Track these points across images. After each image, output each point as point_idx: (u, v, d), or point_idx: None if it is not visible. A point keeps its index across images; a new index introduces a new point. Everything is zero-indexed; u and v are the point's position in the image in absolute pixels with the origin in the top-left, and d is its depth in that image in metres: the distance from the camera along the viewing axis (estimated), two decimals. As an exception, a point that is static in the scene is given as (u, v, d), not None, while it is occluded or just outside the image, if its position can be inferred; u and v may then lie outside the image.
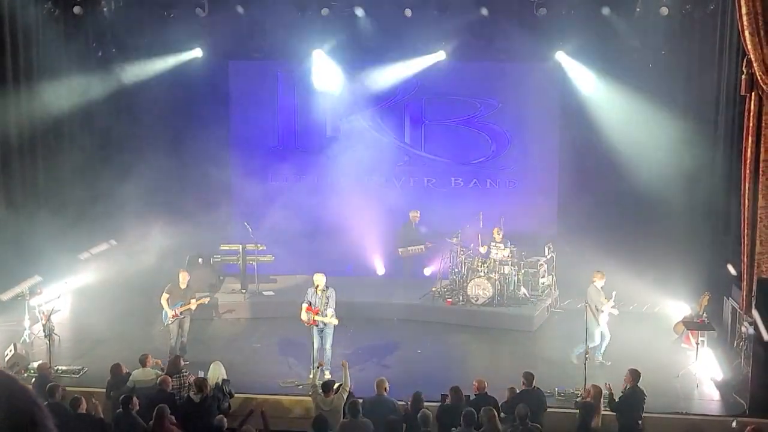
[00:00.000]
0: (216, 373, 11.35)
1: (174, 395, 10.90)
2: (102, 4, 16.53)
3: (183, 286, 13.52)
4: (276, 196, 18.05)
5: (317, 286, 12.83)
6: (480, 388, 10.74)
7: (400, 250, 17.11)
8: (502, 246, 16.13)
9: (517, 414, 9.87)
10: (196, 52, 17.65)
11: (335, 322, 12.79)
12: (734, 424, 11.16)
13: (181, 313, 13.38)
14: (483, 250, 16.37)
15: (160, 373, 11.36)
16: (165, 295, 13.43)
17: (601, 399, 10.78)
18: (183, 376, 11.35)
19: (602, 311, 13.35)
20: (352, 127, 18.84)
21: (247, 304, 16.48)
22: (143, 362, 11.46)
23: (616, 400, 10.84)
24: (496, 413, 9.70)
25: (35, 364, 12.49)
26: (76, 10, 16.22)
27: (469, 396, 10.65)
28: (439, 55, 17.67)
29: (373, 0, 16.69)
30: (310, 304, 12.83)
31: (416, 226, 17.20)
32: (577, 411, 10.81)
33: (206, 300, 14.01)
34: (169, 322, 13.37)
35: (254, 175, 18.75)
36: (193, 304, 13.44)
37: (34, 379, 11.53)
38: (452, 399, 10.43)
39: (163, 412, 9.78)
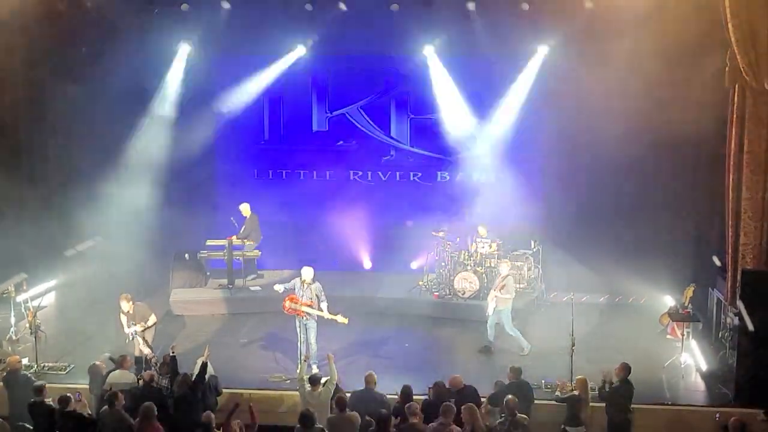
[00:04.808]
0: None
1: (161, 391, 10.84)
2: (85, -1, 16.43)
3: (129, 311, 12.82)
4: (262, 192, 18.02)
5: (304, 279, 12.79)
6: (455, 384, 10.71)
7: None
8: (488, 241, 16.16)
9: (506, 405, 9.88)
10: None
11: (345, 321, 12.72)
12: (717, 416, 11.23)
13: (132, 337, 12.73)
14: (472, 248, 16.40)
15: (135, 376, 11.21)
16: (123, 316, 12.96)
17: (588, 391, 10.82)
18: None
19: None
20: (338, 122, 18.84)
21: (233, 299, 16.44)
22: (121, 364, 11.27)
23: (607, 390, 10.89)
24: (477, 410, 9.66)
25: (24, 361, 12.40)
26: (60, 6, 16.09)
27: (450, 389, 10.64)
28: (425, 50, 17.66)
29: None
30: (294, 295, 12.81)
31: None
32: (565, 404, 10.84)
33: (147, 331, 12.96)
34: (129, 339, 12.93)
35: (240, 170, 18.76)
36: (141, 327, 12.75)
37: (4, 374, 11.43)
38: (434, 394, 10.43)
39: (149, 412, 9.61)
